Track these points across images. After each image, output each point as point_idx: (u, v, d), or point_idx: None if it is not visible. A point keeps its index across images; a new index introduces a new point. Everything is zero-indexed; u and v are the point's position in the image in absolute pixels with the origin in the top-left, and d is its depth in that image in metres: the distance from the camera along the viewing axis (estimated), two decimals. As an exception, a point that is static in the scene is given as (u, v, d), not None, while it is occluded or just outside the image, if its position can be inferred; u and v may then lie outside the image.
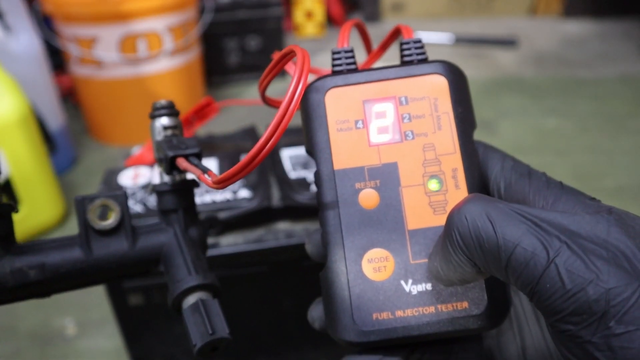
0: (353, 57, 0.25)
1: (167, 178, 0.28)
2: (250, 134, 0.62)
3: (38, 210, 0.88)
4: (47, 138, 1.04)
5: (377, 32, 2.08)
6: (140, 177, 0.54)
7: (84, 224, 0.27)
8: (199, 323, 0.24)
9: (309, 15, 2.02)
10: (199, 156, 0.27)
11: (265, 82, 0.26)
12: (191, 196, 0.29)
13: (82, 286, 0.28)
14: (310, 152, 0.24)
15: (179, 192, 0.28)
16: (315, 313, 0.25)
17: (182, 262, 0.26)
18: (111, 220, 0.27)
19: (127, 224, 0.27)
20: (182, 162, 0.26)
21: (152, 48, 1.12)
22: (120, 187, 0.52)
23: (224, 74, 1.53)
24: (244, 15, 1.46)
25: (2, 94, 0.82)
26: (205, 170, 0.24)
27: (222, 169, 0.54)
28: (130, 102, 1.17)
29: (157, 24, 1.10)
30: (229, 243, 0.48)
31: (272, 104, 0.28)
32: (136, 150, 0.59)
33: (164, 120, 0.29)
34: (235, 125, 0.69)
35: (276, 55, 0.24)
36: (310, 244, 0.26)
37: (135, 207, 0.49)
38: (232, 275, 0.50)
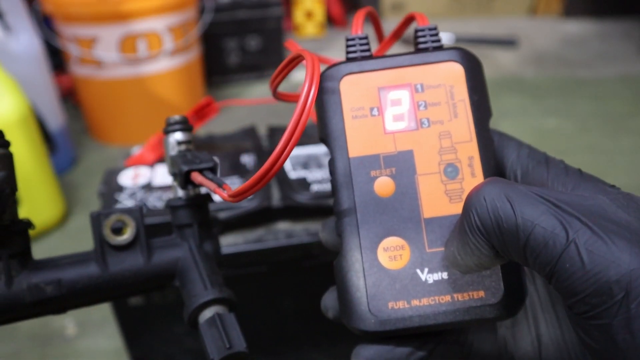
0: (368, 44, 0.25)
1: (181, 193, 0.28)
2: (250, 134, 0.62)
3: (38, 211, 0.88)
4: (47, 138, 1.04)
5: (377, 32, 2.08)
6: (140, 177, 0.54)
7: (100, 240, 0.27)
8: (216, 337, 0.24)
9: (309, 15, 2.02)
10: (213, 170, 0.26)
11: (276, 81, 0.25)
12: (206, 210, 0.29)
13: (98, 302, 0.28)
14: (325, 139, 0.24)
15: (193, 207, 0.28)
16: (329, 302, 0.25)
17: (197, 277, 0.26)
18: (127, 235, 0.27)
19: (142, 239, 0.27)
20: (196, 177, 0.26)
21: (152, 48, 1.12)
22: (120, 187, 0.52)
23: (224, 74, 1.53)
24: (244, 15, 1.46)
25: (2, 94, 0.82)
26: (220, 183, 0.24)
27: (222, 169, 0.54)
28: (130, 102, 1.17)
29: (157, 24, 1.10)
30: (229, 243, 0.48)
31: (285, 98, 0.27)
32: (136, 150, 0.59)
33: (178, 136, 0.29)
34: (235, 125, 0.69)
35: (291, 44, 0.24)
36: (324, 231, 0.26)
37: (135, 207, 0.49)
38: (232, 275, 0.50)
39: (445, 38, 1.91)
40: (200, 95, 1.32)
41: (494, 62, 1.71)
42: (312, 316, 0.56)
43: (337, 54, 1.82)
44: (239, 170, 0.54)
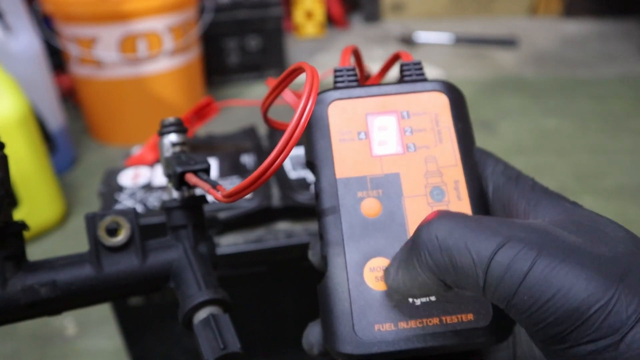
0: (355, 75, 0.26)
1: (176, 194, 0.29)
2: (250, 134, 0.62)
3: (38, 211, 0.88)
4: (47, 138, 1.04)
5: (377, 33, 2.08)
6: (140, 177, 0.54)
7: (94, 241, 0.27)
8: (211, 338, 0.24)
9: (309, 15, 2.02)
10: (207, 171, 0.27)
11: (267, 102, 0.26)
12: (200, 212, 0.29)
13: (93, 303, 0.28)
14: (312, 161, 0.24)
15: (188, 208, 0.28)
16: (313, 337, 0.24)
17: (192, 278, 0.26)
18: (121, 236, 0.27)
19: (137, 241, 0.27)
20: (191, 178, 0.26)
21: (152, 48, 1.12)
22: (120, 187, 0.52)
23: (224, 74, 1.53)
24: (244, 15, 1.46)
25: (2, 93, 0.82)
26: (214, 184, 0.24)
27: (222, 169, 0.54)
28: (130, 102, 1.17)
29: (157, 24, 1.10)
30: (229, 243, 0.48)
31: (275, 126, 0.28)
32: (136, 150, 0.59)
33: (173, 137, 0.29)
34: (235, 125, 0.69)
35: (271, 81, 0.24)
36: (312, 251, 0.25)
37: (135, 207, 0.49)
38: (232, 275, 0.50)
39: (445, 38, 1.91)
40: (200, 95, 1.32)
41: (494, 62, 1.71)
42: (312, 316, 0.56)
43: (337, 54, 1.82)
44: (239, 170, 0.54)
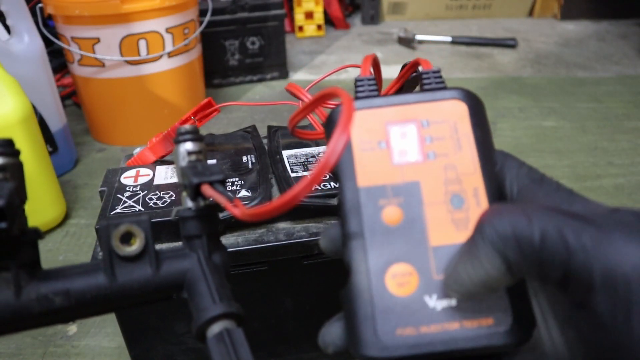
0: (375, 84, 0.26)
1: (190, 203, 0.28)
2: (251, 134, 0.63)
3: (39, 211, 0.88)
4: (49, 139, 1.04)
5: (377, 34, 2.09)
6: (141, 176, 0.54)
7: (108, 250, 0.26)
8: (224, 353, 0.24)
9: (309, 16, 2.02)
10: (223, 183, 0.27)
11: (295, 121, 0.27)
12: (215, 221, 0.29)
13: (106, 312, 0.27)
14: (334, 170, 0.25)
15: (203, 218, 0.28)
16: (329, 337, 0.24)
17: (206, 290, 0.26)
18: (135, 246, 0.27)
19: (151, 250, 0.27)
20: (207, 190, 0.26)
21: (153, 49, 1.12)
22: (121, 187, 0.52)
23: (224, 75, 1.54)
24: (245, 16, 1.46)
25: (4, 94, 0.82)
26: (231, 198, 0.24)
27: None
28: (132, 103, 1.18)
29: (158, 25, 1.11)
30: (229, 243, 0.49)
31: (303, 136, 0.29)
32: (138, 151, 0.60)
33: (189, 146, 0.29)
34: (236, 126, 0.69)
35: (293, 86, 0.25)
36: (325, 239, 0.26)
37: (136, 206, 0.49)
38: (232, 275, 0.51)
39: (445, 39, 1.91)
40: (200, 96, 1.32)
41: (493, 63, 1.72)
42: (312, 316, 0.57)
43: (337, 54, 1.83)
44: (239, 170, 0.55)
